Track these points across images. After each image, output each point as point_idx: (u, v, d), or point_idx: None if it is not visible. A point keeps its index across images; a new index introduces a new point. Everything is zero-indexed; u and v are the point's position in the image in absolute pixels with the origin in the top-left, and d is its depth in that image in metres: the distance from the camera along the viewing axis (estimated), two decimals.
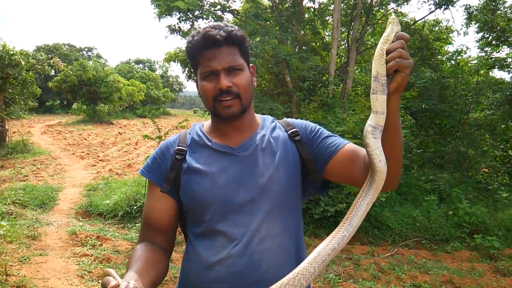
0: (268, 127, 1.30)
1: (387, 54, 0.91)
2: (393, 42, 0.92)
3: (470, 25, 10.29)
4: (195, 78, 1.26)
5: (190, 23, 9.41)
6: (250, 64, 1.26)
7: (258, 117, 1.34)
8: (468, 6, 9.79)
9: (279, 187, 1.18)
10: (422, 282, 4.39)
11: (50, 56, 17.30)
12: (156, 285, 1.08)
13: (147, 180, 1.28)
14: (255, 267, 1.12)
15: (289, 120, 1.35)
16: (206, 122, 1.34)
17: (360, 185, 1.02)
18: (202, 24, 10.14)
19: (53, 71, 21.47)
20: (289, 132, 1.29)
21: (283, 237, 1.18)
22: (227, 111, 1.18)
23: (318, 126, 1.30)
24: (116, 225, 5.72)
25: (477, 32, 10.12)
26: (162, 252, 1.20)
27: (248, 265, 1.11)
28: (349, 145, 1.21)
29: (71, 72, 22.66)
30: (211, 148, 1.23)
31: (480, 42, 10.41)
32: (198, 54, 1.18)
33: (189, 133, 1.30)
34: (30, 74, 11.86)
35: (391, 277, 4.49)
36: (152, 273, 1.06)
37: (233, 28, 1.18)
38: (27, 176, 8.44)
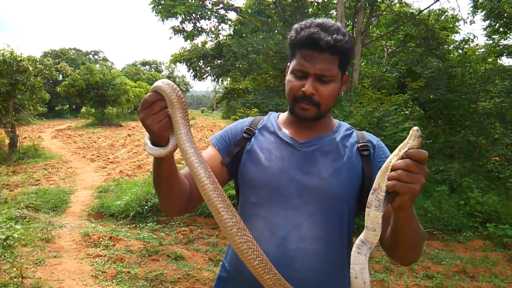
0: (342, 133, 1.27)
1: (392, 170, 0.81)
2: (401, 158, 0.81)
3: (477, 13, 10.17)
4: (289, 63, 1.24)
5: (193, 23, 9.45)
6: (346, 73, 1.22)
7: (335, 121, 1.32)
8: None
9: (330, 193, 1.15)
10: (435, 273, 4.37)
11: (57, 61, 17.39)
12: (178, 190, 1.09)
13: (213, 147, 1.28)
14: (287, 262, 1.10)
15: (366, 133, 1.29)
16: (282, 114, 1.36)
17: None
18: (204, 25, 10.12)
19: (60, 76, 21.72)
20: (359, 145, 1.24)
21: (321, 244, 1.14)
22: (302, 113, 1.18)
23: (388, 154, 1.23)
24: (128, 226, 5.77)
25: (484, 20, 10.02)
26: (189, 189, 1.15)
27: (281, 258, 1.10)
28: None
29: (78, 76, 22.81)
30: (278, 136, 1.25)
31: (487, 29, 10.28)
32: (298, 49, 1.16)
33: (263, 120, 1.33)
34: (38, 79, 11.96)
35: (403, 268, 4.47)
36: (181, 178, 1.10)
37: (343, 38, 1.13)
38: (39, 180, 8.54)
